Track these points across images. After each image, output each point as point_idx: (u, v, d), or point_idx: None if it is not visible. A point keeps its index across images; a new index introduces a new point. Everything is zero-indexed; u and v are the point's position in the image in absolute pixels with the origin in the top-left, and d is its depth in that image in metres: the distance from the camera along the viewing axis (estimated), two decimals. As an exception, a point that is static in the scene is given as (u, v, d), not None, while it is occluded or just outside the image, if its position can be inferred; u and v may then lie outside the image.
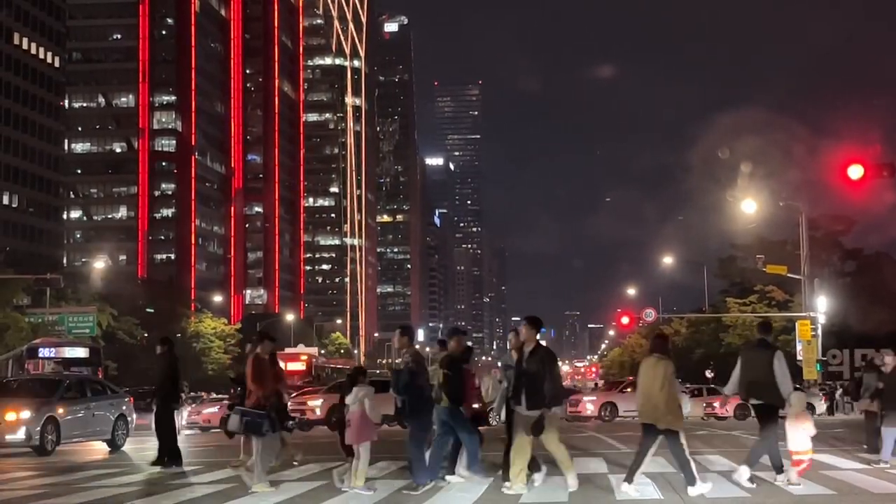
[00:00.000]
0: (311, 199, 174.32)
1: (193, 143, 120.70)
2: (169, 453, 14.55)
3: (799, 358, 36.74)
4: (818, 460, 13.18)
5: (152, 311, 77.79)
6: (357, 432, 10.43)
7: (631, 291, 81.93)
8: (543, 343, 10.38)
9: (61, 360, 46.96)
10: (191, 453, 19.64)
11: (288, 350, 60.65)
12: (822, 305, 34.36)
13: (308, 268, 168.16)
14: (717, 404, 32.26)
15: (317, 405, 28.61)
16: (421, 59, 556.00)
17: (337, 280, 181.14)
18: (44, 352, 45.18)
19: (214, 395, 53.90)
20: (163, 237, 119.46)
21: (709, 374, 54.25)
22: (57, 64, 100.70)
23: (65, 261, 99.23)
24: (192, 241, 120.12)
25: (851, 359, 38.17)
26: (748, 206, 31.07)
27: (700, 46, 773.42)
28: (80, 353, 44.52)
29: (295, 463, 13.52)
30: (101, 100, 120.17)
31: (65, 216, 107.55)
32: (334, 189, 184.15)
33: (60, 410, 18.51)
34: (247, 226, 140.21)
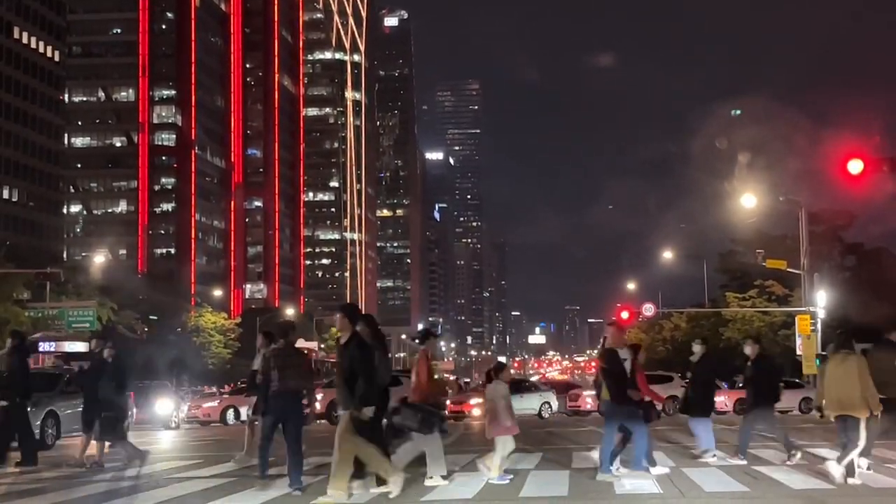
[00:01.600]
0: (310, 194, 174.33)
1: (193, 138, 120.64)
2: (24, 452, 14.30)
3: (798, 353, 36.72)
4: (817, 454, 13.20)
5: (153, 308, 77.79)
6: (493, 425, 10.84)
7: (631, 286, 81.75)
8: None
9: (61, 355, 47.00)
10: (190, 447, 19.70)
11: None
12: (821, 300, 34.27)
13: (308, 262, 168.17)
14: None
15: (317, 399, 28.64)
16: (421, 53, 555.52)
17: (337, 274, 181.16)
18: (44, 346, 45.26)
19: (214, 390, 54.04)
20: (163, 231, 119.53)
21: (709, 368, 54.00)
22: (57, 58, 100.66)
23: (65, 255, 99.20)
24: (192, 236, 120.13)
25: (852, 353, 38.04)
26: (748, 200, 31.04)
27: (700, 43, 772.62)
28: (81, 347, 44.58)
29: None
30: (101, 94, 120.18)
31: (65, 210, 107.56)
32: (334, 183, 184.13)
33: (60, 404, 18.54)
34: (247, 220, 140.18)
